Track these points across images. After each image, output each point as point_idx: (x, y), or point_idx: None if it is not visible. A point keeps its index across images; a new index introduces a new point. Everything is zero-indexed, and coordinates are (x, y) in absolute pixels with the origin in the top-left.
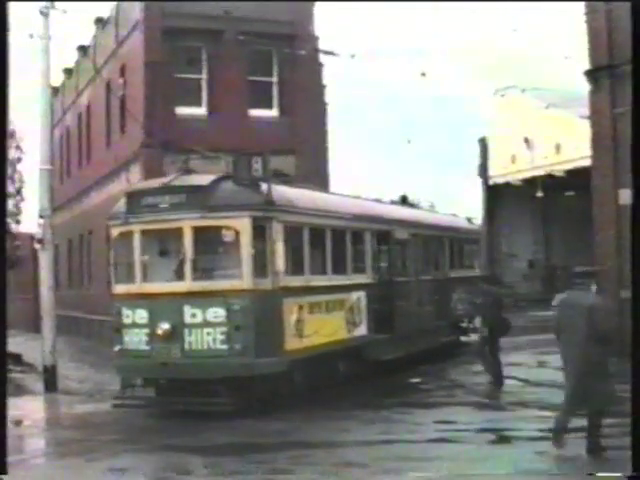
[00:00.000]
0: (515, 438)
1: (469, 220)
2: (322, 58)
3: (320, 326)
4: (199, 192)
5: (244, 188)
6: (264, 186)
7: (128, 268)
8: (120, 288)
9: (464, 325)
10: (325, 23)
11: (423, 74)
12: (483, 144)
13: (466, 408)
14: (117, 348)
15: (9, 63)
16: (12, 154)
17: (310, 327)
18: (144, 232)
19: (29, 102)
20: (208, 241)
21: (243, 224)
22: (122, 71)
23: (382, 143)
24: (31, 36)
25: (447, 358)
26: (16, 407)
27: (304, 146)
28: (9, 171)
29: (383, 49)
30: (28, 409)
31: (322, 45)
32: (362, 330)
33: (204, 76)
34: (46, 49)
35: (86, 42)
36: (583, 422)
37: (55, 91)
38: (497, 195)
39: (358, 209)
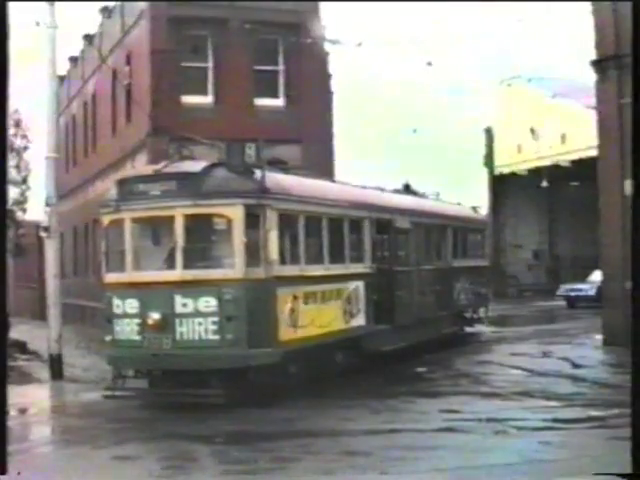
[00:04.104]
0: (520, 428)
1: (474, 209)
2: (328, 47)
3: (316, 316)
4: (191, 179)
5: (237, 175)
6: (258, 173)
7: (119, 257)
8: (111, 277)
9: (468, 315)
10: (331, 12)
11: (429, 63)
12: (489, 134)
13: (471, 397)
14: (108, 338)
15: (9, 62)
16: (18, 143)
17: (305, 317)
18: (135, 220)
19: (35, 91)
20: (200, 229)
21: (235, 212)
22: (128, 59)
23: (387, 132)
24: (37, 24)
25: (453, 347)
26: (22, 395)
27: (310, 135)
28: (15, 160)
29: (389, 38)
30: (34, 397)
31: (328, 34)
32: (360, 320)
33: (210, 65)
34: (52, 38)
35: (92, 31)
36: (589, 412)
37: (61, 80)
38: (503, 185)
39: (356, 197)
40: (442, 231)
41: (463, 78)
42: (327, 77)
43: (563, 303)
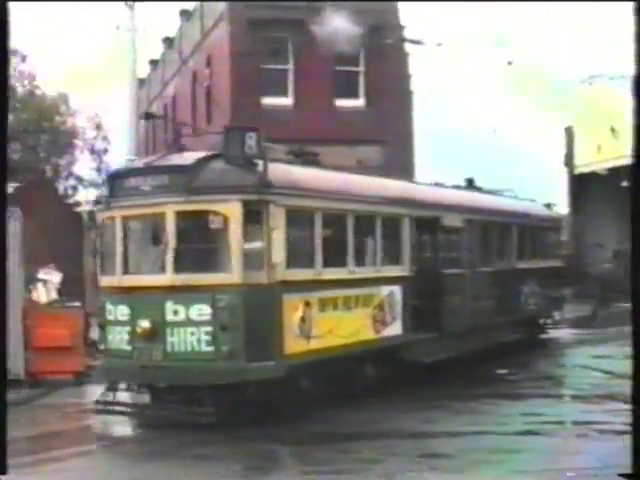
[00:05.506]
0: (603, 431)
1: (548, 206)
2: (408, 47)
3: (335, 325)
4: (184, 172)
5: (235, 168)
6: (260, 165)
7: (112, 258)
8: (104, 280)
9: (541, 321)
10: (411, 11)
11: (509, 62)
12: (569, 133)
13: (554, 400)
14: (102, 347)
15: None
16: (98, 145)
17: (321, 327)
18: (125, 218)
19: (116, 94)
20: (194, 228)
21: (232, 209)
22: (208, 62)
23: (467, 132)
24: (117, 28)
25: (534, 350)
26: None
27: (390, 136)
28: (96, 162)
29: (469, 37)
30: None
31: (408, 34)
32: (396, 329)
33: (290, 66)
34: (132, 41)
35: (172, 34)
36: None
37: (141, 82)
38: (583, 184)
39: (393, 192)
40: (505, 230)
41: (544, 76)
42: (407, 77)
43: None
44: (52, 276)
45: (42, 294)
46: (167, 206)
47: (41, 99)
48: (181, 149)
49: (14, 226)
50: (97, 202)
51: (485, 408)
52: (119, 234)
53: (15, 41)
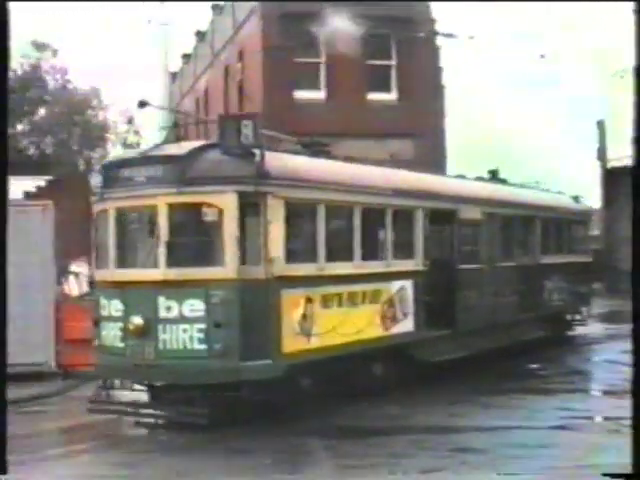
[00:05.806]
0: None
1: (576, 199)
2: (440, 40)
3: (340, 322)
4: (177, 162)
5: (231, 157)
6: (257, 155)
7: (105, 252)
8: (99, 274)
9: (568, 317)
10: (443, 5)
11: (542, 56)
12: (601, 127)
13: (584, 395)
14: (96, 343)
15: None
16: (131, 139)
17: (324, 324)
18: (118, 210)
19: (148, 87)
20: (188, 220)
21: (226, 200)
22: (240, 56)
23: (499, 126)
24: (149, 22)
25: (563, 345)
26: None
27: (422, 129)
28: None
29: (501, 30)
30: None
31: (440, 27)
32: (407, 326)
33: (322, 60)
34: (164, 35)
35: (203, 27)
36: None
37: (173, 76)
38: (615, 179)
39: (405, 184)
40: (528, 223)
41: (576, 70)
42: (439, 71)
43: None
44: (84, 269)
45: (74, 287)
46: (159, 198)
47: (72, 93)
48: (178, 138)
49: (46, 219)
50: (93, 194)
51: (515, 403)
52: (112, 226)
53: (47, 36)
